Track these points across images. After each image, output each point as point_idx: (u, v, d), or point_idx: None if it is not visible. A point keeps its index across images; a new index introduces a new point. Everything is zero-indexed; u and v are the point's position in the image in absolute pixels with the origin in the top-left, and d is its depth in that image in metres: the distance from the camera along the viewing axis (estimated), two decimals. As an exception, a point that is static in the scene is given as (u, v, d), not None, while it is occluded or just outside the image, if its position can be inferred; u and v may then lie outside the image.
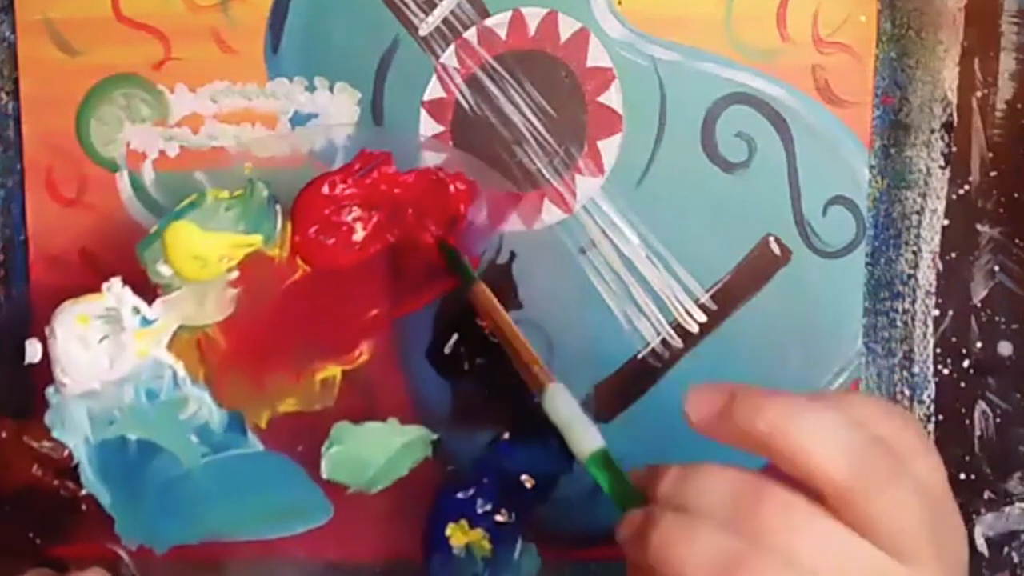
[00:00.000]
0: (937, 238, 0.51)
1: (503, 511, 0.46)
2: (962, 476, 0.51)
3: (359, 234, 0.46)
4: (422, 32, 0.49)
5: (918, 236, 0.51)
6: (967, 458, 0.51)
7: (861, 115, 0.50)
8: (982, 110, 0.50)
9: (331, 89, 0.49)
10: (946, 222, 0.51)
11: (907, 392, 0.51)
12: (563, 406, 0.41)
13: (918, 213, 0.50)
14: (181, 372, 0.44)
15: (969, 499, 0.51)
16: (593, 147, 0.49)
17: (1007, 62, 0.50)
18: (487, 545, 0.45)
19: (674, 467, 0.36)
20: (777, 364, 0.50)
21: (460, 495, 0.46)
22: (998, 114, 0.50)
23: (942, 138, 0.50)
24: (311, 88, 0.49)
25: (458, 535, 0.45)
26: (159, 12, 0.48)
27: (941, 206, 0.51)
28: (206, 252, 0.43)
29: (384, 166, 0.45)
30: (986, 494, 0.51)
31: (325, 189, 0.45)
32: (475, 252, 0.47)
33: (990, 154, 0.50)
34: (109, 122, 0.49)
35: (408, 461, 0.46)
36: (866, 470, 0.33)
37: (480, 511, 0.45)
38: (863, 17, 0.49)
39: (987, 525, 0.51)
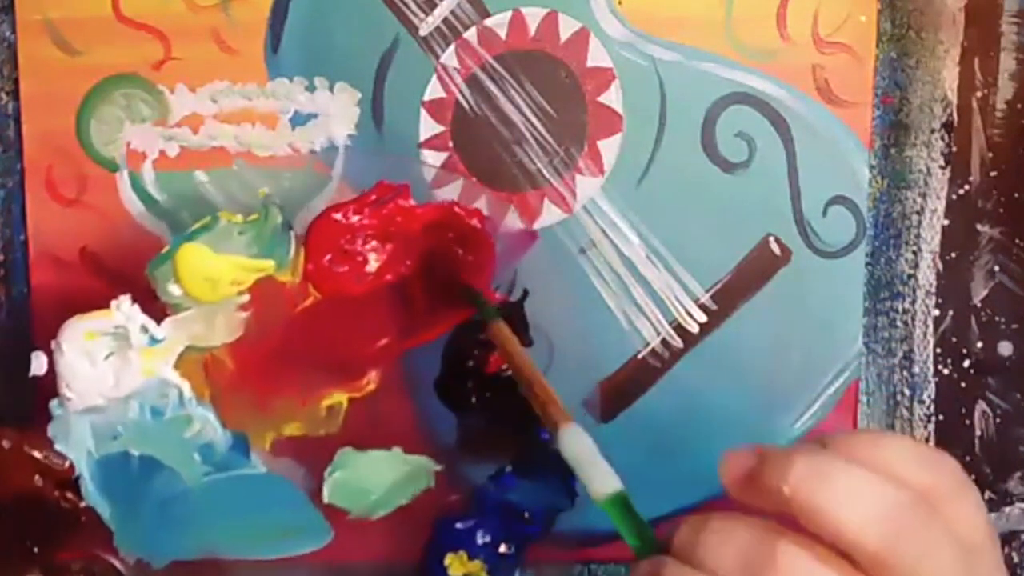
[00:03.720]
0: (937, 238, 0.51)
1: (503, 543, 0.46)
2: (962, 476, 0.51)
3: (372, 265, 0.45)
4: (422, 32, 0.49)
5: (918, 236, 0.51)
6: (967, 458, 0.51)
7: (861, 115, 0.50)
8: (982, 110, 0.50)
9: (331, 89, 0.49)
10: (946, 222, 0.51)
11: (907, 392, 0.51)
12: (578, 447, 0.39)
13: (918, 213, 0.51)
14: (187, 392, 0.43)
15: (969, 499, 0.51)
16: (593, 147, 0.49)
17: (1007, 62, 0.50)
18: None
19: (692, 517, 0.35)
20: (777, 364, 0.50)
21: (460, 525, 0.46)
22: (998, 114, 0.50)
23: (942, 138, 0.50)
24: (311, 88, 0.49)
25: (456, 566, 0.45)
26: (159, 12, 0.48)
27: (941, 206, 0.51)
28: (217, 275, 0.43)
29: (401, 198, 0.45)
30: (986, 494, 0.51)
31: (340, 218, 0.45)
32: (488, 287, 0.47)
33: (990, 154, 0.50)
34: (109, 122, 0.49)
35: (410, 490, 0.46)
36: (901, 537, 0.31)
37: (479, 542, 0.45)
38: (863, 17, 0.49)
39: (987, 525, 0.51)
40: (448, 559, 0.45)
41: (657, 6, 0.49)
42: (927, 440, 0.51)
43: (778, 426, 0.50)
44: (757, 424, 0.50)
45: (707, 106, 0.49)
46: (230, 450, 0.44)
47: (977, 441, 0.51)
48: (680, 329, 0.50)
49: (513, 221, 0.49)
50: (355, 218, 0.45)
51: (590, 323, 0.50)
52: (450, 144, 0.49)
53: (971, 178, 0.51)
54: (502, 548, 0.46)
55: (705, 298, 0.50)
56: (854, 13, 0.49)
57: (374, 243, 0.45)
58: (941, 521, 0.32)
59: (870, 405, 0.51)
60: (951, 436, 0.51)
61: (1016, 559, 0.52)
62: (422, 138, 0.49)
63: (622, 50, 0.49)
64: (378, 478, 0.46)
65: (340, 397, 0.46)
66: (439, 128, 0.49)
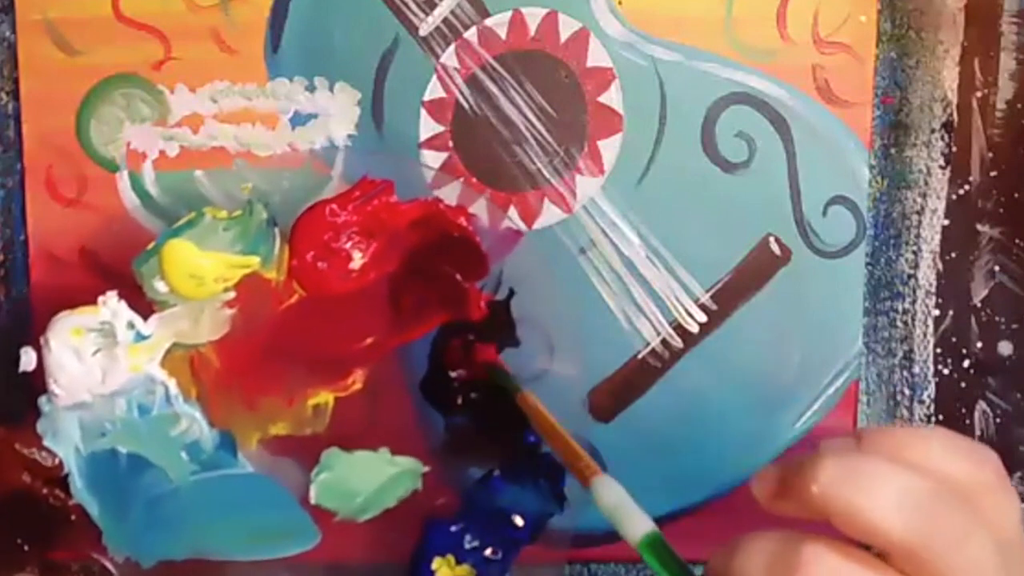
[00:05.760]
0: (937, 238, 0.51)
1: (491, 548, 0.45)
2: (962, 476, 0.51)
3: (356, 262, 0.45)
4: (422, 32, 0.49)
5: (918, 236, 0.51)
6: (967, 458, 0.51)
7: (861, 115, 0.50)
8: (982, 110, 0.50)
9: (331, 89, 0.49)
10: (946, 222, 0.51)
11: (907, 392, 0.51)
12: (610, 496, 0.39)
13: (918, 213, 0.50)
14: (173, 389, 0.43)
15: (969, 499, 0.51)
16: (593, 147, 0.49)
17: (1007, 62, 0.50)
18: None
19: (722, 545, 0.35)
20: (777, 364, 0.50)
21: (448, 529, 0.46)
22: (998, 114, 0.50)
23: (942, 138, 0.50)
24: (311, 88, 0.49)
25: (444, 570, 0.45)
26: (159, 12, 0.48)
27: (941, 206, 0.51)
28: (202, 271, 0.43)
29: (385, 195, 0.45)
30: (986, 494, 0.51)
31: (323, 215, 0.44)
32: (474, 286, 0.47)
33: (990, 154, 0.50)
34: (109, 122, 0.49)
35: (398, 492, 0.46)
36: (933, 530, 0.30)
37: (468, 547, 0.45)
38: (863, 17, 0.49)
39: (987, 525, 0.51)
40: (436, 563, 0.45)
41: (657, 6, 0.49)
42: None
43: (778, 426, 0.50)
44: (757, 424, 0.50)
45: (707, 106, 0.49)
46: (217, 449, 0.44)
47: (977, 441, 0.51)
48: (680, 329, 0.50)
49: (503, 220, 0.49)
50: (339, 215, 0.45)
51: (590, 323, 0.50)
52: (450, 144, 0.49)
53: (971, 178, 0.51)
54: (490, 553, 0.45)
55: (705, 298, 0.50)
56: (854, 13, 0.49)
57: (358, 240, 0.45)
58: (972, 511, 0.32)
59: (870, 405, 0.51)
60: (951, 436, 0.51)
61: (1016, 559, 0.52)
62: (422, 138, 0.49)
63: (622, 50, 0.49)
64: (365, 479, 0.46)
65: (326, 396, 0.46)
66: (439, 128, 0.49)
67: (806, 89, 0.49)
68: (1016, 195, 0.51)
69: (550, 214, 0.50)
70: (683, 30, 0.49)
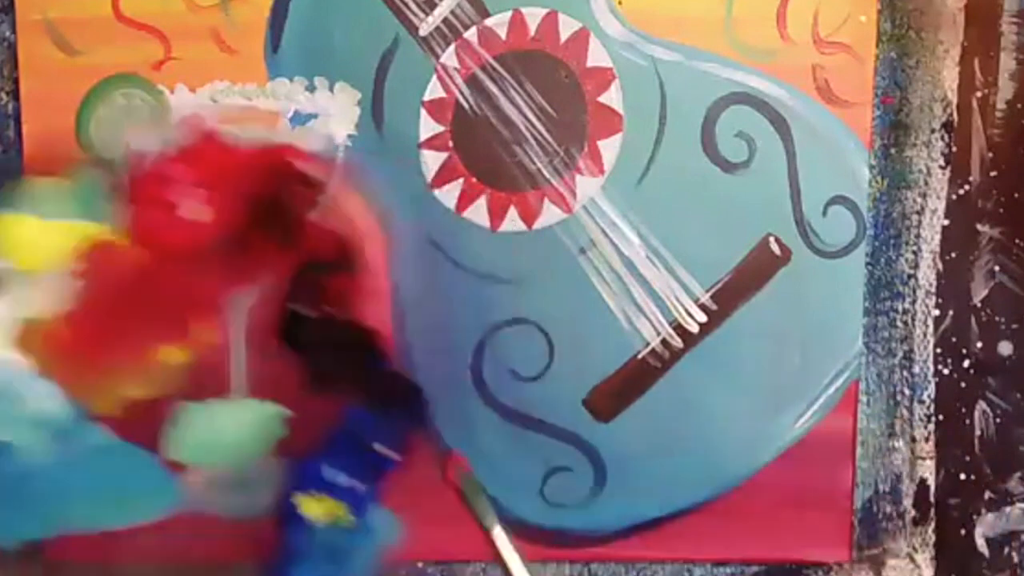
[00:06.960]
0: (937, 238, 0.51)
1: (356, 478, 0.45)
2: (962, 476, 0.51)
3: (194, 213, 0.43)
4: (422, 32, 0.49)
5: (918, 236, 0.51)
6: (967, 458, 0.51)
7: (861, 115, 0.50)
8: (982, 110, 0.50)
9: (331, 89, 0.49)
10: (946, 222, 0.51)
11: (907, 392, 0.51)
12: None
13: (918, 213, 0.51)
14: (24, 366, 0.42)
15: (969, 499, 0.51)
16: (593, 147, 0.49)
17: (1007, 62, 0.50)
18: (342, 513, 0.45)
19: None
20: (777, 364, 0.50)
21: (309, 465, 0.45)
22: (998, 114, 0.50)
23: (942, 138, 0.50)
24: (311, 88, 0.49)
25: (310, 504, 0.45)
26: (159, 12, 0.48)
27: (941, 206, 0.51)
28: (42, 242, 0.42)
29: (216, 142, 0.44)
30: (986, 494, 0.51)
31: (155, 170, 0.43)
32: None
33: (990, 154, 0.50)
34: (109, 122, 0.49)
35: (263, 437, 0.45)
36: None
37: (330, 480, 0.45)
38: (863, 17, 0.49)
39: (987, 525, 0.51)
40: (299, 498, 0.45)
41: (657, 6, 0.49)
42: (927, 440, 0.51)
43: (778, 426, 0.50)
44: (757, 424, 0.50)
45: (707, 106, 0.49)
46: (75, 421, 0.43)
47: (977, 441, 0.51)
48: (680, 329, 0.50)
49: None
50: (174, 169, 0.43)
51: (590, 323, 0.50)
52: (450, 144, 0.49)
53: (971, 178, 0.51)
54: (353, 483, 0.45)
55: (705, 298, 0.50)
56: (854, 13, 0.49)
57: (195, 191, 0.44)
58: None
59: (870, 405, 0.51)
60: (951, 436, 0.51)
61: (1016, 559, 0.52)
62: (422, 138, 0.49)
63: (622, 50, 0.49)
64: (224, 428, 0.45)
65: (175, 353, 0.45)
66: (439, 128, 0.49)
67: (806, 89, 0.49)
68: (1016, 195, 0.51)
69: (550, 214, 0.50)
70: (683, 30, 0.49)
